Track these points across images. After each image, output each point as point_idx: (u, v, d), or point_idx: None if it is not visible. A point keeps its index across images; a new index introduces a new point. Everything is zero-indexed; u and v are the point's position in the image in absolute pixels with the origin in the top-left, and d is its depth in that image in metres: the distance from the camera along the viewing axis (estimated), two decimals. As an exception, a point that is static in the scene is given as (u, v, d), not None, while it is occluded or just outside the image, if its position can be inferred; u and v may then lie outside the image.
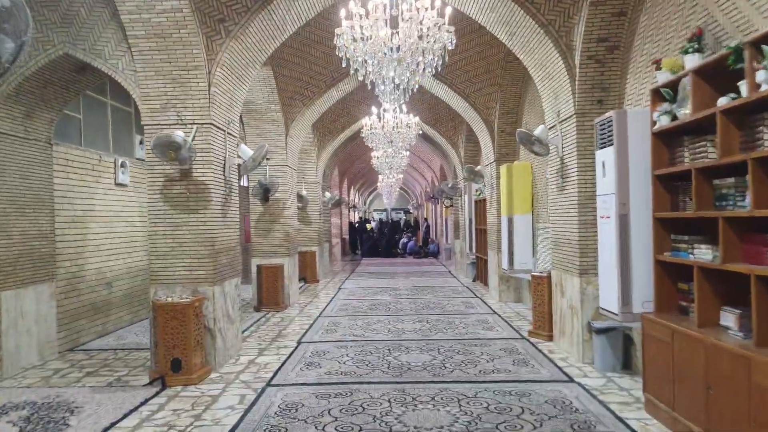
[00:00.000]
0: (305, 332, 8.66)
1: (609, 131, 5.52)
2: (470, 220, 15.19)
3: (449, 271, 18.13)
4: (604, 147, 5.64)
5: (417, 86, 5.37)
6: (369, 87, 5.41)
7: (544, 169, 9.55)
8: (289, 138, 11.38)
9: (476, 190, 14.61)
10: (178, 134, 6.36)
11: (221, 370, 6.61)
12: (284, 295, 11.16)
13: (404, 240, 28.35)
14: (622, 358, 6.22)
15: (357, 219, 34.94)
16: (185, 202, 6.60)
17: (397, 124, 10.79)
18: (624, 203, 5.37)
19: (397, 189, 30.21)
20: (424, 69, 5.23)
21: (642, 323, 4.95)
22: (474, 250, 15.07)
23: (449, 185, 16.62)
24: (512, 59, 10.38)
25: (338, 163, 22.49)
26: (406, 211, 47.64)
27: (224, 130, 7.05)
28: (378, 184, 26.29)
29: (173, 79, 6.58)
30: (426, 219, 30.75)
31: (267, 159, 11.09)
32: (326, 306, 11.34)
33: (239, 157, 7.32)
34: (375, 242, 26.78)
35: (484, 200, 13.31)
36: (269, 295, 10.85)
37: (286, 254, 11.37)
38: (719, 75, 4.15)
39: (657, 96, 4.91)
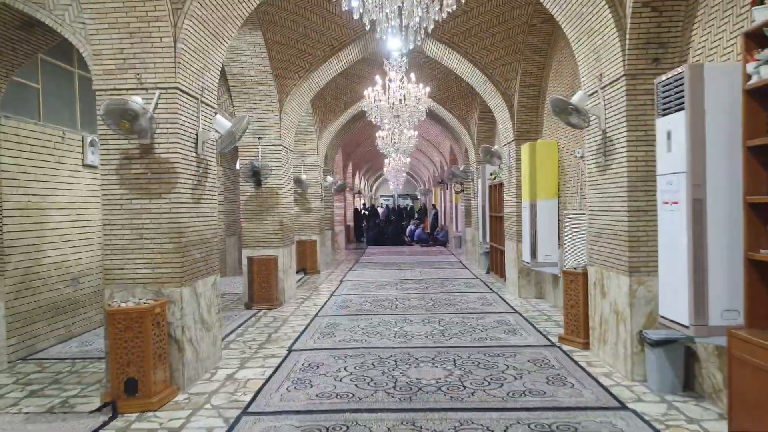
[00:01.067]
0: (298, 336, 7.49)
1: (678, 93, 4.28)
2: (484, 206, 13.96)
3: (460, 261, 16.93)
4: (669, 113, 4.40)
5: (431, 26, 4.13)
6: (367, 27, 4.19)
7: (572, 147, 8.31)
8: (284, 114, 10.16)
9: (491, 174, 13.37)
10: (135, 100, 5.16)
11: (191, 389, 5.46)
12: (278, 291, 10.00)
13: (411, 227, 27.15)
14: (683, 376, 5.02)
15: (362, 205, 33.77)
16: (146, 185, 5.41)
17: (404, 96, 9.51)
18: (698, 185, 4.14)
19: (404, 174, 28.95)
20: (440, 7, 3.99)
21: (728, 341, 3.74)
22: (488, 239, 13.85)
23: (461, 169, 15.37)
24: (536, 22, 9.10)
25: (342, 145, 21.27)
26: (414, 197, 46.39)
27: (196, 98, 5.84)
28: (384, 168, 25.03)
29: (131, 33, 5.37)
30: (434, 205, 29.50)
31: (259, 138, 9.91)
32: (325, 302, 10.18)
33: (216, 131, 6.12)
34: (381, 229, 25.59)
35: (501, 184, 12.07)
36: (261, 291, 9.68)
37: (281, 244, 10.20)
38: None
39: (752, 42, 3.67)
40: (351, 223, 27.14)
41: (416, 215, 34.57)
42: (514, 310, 9.01)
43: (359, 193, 30.77)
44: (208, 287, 6.09)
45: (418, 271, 14.55)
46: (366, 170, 34.69)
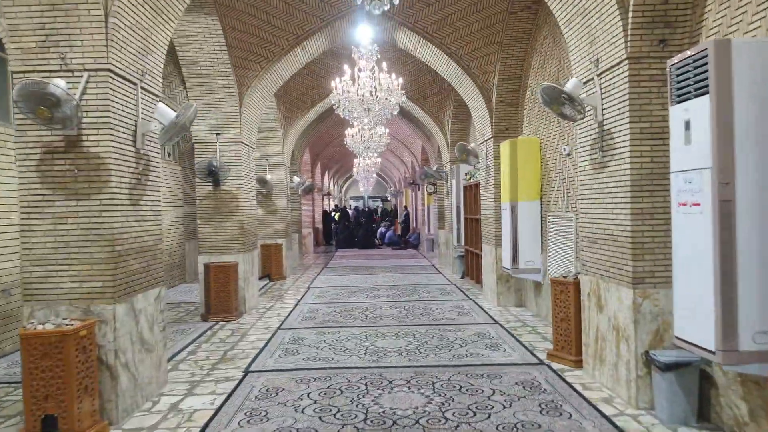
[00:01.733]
0: (257, 354, 6.69)
1: (699, 75, 3.63)
2: (458, 208, 13.32)
3: (433, 265, 16.27)
4: (688, 99, 3.76)
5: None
6: None
7: (557, 144, 7.69)
8: (244, 108, 9.33)
9: (466, 174, 12.74)
10: (57, 83, 4.33)
11: (125, 423, 4.62)
12: (238, 300, 9.16)
13: (382, 229, 26.45)
14: (697, 404, 4.39)
15: (335, 207, 32.92)
16: (72, 184, 4.57)
17: (375, 87, 8.74)
18: (727, 183, 3.50)
19: (374, 175, 28.25)
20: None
21: (768, 373, 3.10)
22: (463, 243, 13.22)
23: (434, 169, 14.72)
24: (517, 9, 8.47)
25: (309, 145, 20.46)
26: (384, 199, 45.73)
27: (134, 83, 5.02)
28: (354, 169, 24.28)
29: (53, 5, 4.53)
30: (406, 207, 28.85)
31: (217, 134, 9.08)
32: (290, 312, 9.38)
33: (159, 122, 5.29)
34: (351, 232, 24.82)
35: (477, 185, 11.43)
36: (219, 301, 8.84)
37: (242, 249, 9.37)
38: None
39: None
40: (320, 226, 26.32)
41: (387, 217, 33.91)
42: (494, 320, 8.35)
43: (328, 194, 29.95)
44: (150, 302, 5.26)
45: (390, 277, 13.82)
46: (335, 171, 33.89)
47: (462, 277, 13.22)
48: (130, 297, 4.87)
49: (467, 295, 10.68)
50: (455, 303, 9.88)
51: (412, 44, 9.83)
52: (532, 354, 6.45)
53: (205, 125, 9.24)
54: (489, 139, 9.69)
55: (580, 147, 5.68)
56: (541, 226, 8.42)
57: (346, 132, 12.83)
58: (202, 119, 9.21)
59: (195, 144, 9.33)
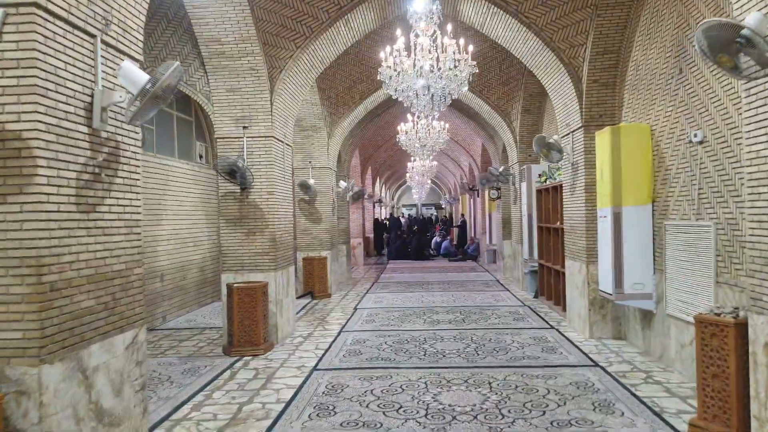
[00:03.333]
0: (282, 412, 5.00)
1: None
2: (529, 215, 11.38)
3: (497, 281, 14.32)
4: None
5: None
6: None
7: (679, 130, 5.74)
8: (277, 97, 7.74)
9: (540, 175, 10.81)
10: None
11: None
12: (268, 329, 7.54)
13: (437, 239, 24.60)
14: None
15: (389, 215, 31.21)
16: (-21, 180, 3.00)
17: (437, 58, 6.82)
18: None
19: (429, 181, 26.45)
20: None
21: None
22: (535, 256, 11.26)
23: (499, 170, 12.81)
24: (621, -43, 6.57)
25: (358, 148, 18.86)
26: (438, 207, 43.85)
27: (91, 34, 3.42)
28: (407, 174, 22.55)
29: None
30: (463, 215, 26.90)
31: (245, 127, 7.51)
32: (331, 344, 7.68)
33: (129, 92, 3.69)
34: (404, 242, 23.06)
35: (557, 187, 9.50)
36: (244, 331, 7.22)
37: (273, 267, 7.75)
38: None
39: None
40: (371, 235, 24.69)
41: (441, 225, 31.98)
42: (592, 360, 6.43)
43: (380, 201, 28.32)
44: (116, 353, 3.63)
45: (450, 295, 11.98)
46: (387, 177, 32.26)
47: (535, 297, 11.26)
48: (75, 351, 3.24)
49: (547, 322, 8.74)
50: (535, 333, 7.97)
51: (478, 16, 8.05)
52: (661, 419, 4.52)
53: (230, 117, 7.68)
54: (577, 129, 7.78)
55: (755, 122, 3.75)
56: (654, 238, 6.45)
57: (398, 128, 11.14)
58: (227, 109, 7.67)
59: (218, 140, 7.79)
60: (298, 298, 11.91)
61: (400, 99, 6.77)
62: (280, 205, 8.06)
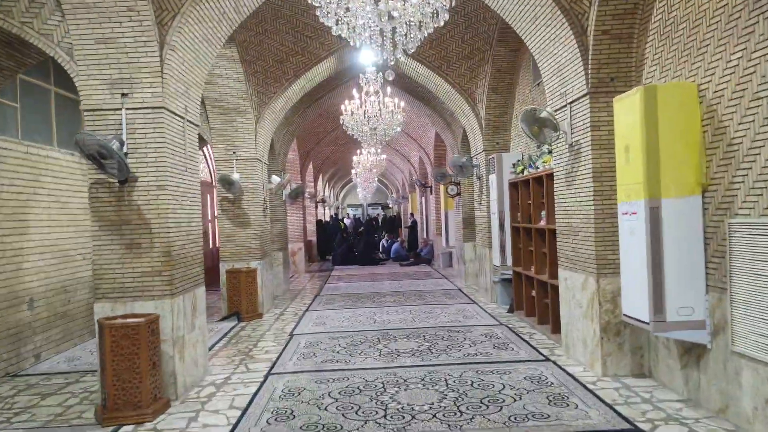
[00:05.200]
0: None
1: None
2: (500, 213, 9.48)
3: (459, 290, 12.38)
4: None
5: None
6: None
7: (754, 91, 3.85)
8: (170, 52, 5.50)
9: (516, 164, 8.92)
10: None
11: None
12: (162, 381, 5.30)
13: (386, 241, 22.58)
14: None
15: (331, 216, 28.88)
16: None
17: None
18: None
19: (376, 178, 24.38)
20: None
21: None
22: (509, 263, 9.37)
23: (461, 161, 10.85)
24: None
25: (297, 139, 16.64)
26: (385, 206, 41.90)
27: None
28: (353, 171, 20.41)
29: None
30: (412, 214, 24.99)
31: (123, 95, 5.27)
32: (252, 399, 5.48)
33: None
34: (350, 245, 20.90)
35: (541, 178, 7.61)
36: (122, 388, 4.94)
37: (168, 292, 5.50)
38: None
39: None
40: (314, 238, 22.43)
41: (388, 226, 30.02)
42: (624, 418, 4.50)
43: (323, 201, 26.07)
44: None
45: (408, 311, 9.92)
46: (331, 175, 30.03)
47: (510, 311, 9.35)
48: None
49: (538, 350, 6.80)
50: (528, 369, 6.00)
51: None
52: None
53: (102, 80, 5.40)
54: (580, 98, 5.86)
55: None
56: (705, 243, 4.58)
57: (343, 108, 9.01)
58: (96, 69, 5.38)
59: (85, 114, 5.47)
60: (221, 320, 9.66)
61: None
62: (180, 204, 5.81)
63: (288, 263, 14.58)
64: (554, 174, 6.71)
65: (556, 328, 7.30)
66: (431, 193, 18.81)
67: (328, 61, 10.24)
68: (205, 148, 14.54)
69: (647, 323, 4.67)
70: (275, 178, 11.38)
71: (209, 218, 15.49)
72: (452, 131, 13.19)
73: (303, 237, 18.54)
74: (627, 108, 4.84)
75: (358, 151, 16.09)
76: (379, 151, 15.38)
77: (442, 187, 15.75)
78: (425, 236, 21.12)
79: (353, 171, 20.34)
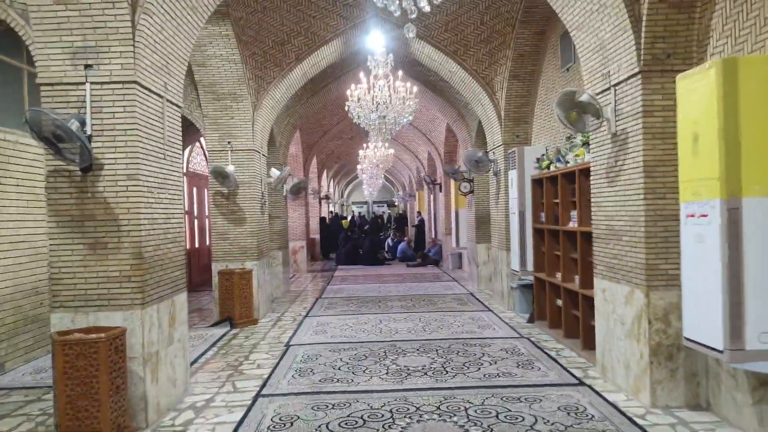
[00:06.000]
0: None
1: None
2: (521, 213, 8.60)
3: (472, 294, 11.50)
4: None
5: None
6: None
7: None
8: (144, 16, 4.62)
9: (540, 158, 8.04)
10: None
11: None
12: (130, 406, 4.45)
13: (391, 240, 21.69)
14: None
15: (330, 213, 27.97)
16: None
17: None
18: None
19: (382, 175, 23.49)
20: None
21: None
22: (530, 267, 8.49)
23: (477, 155, 9.94)
24: None
25: (301, 132, 15.79)
26: (391, 204, 41.03)
27: None
28: (359, 166, 19.54)
29: None
30: (420, 213, 24.09)
31: (87, 66, 4.42)
32: (236, 428, 4.63)
33: None
34: (355, 244, 20.01)
35: (573, 173, 6.71)
36: (76, 417, 4.11)
37: (139, 301, 4.63)
38: None
39: None
40: (317, 236, 21.57)
41: (394, 225, 29.12)
42: (694, 471, 3.62)
43: (327, 198, 25.19)
44: None
45: (417, 319, 9.05)
46: (336, 171, 29.18)
47: (530, 321, 8.47)
48: None
49: (568, 371, 5.91)
50: (561, 396, 5.12)
51: None
52: None
53: (61, 48, 4.53)
54: (629, 78, 4.96)
55: None
56: (796, 254, 3.69)
57: (349, 93, 8.13)
58: (55, 34, 4.51)
59: (42, 88, 4.61)
60: (212, 326, 8.82)
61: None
62: (155, 197, 4.95)
63: (288, 263, 13.72)
64: (591, 169, 5.82)
65: (588, 344, 6.42)
66: (440, 190, 17.91)
67: (334, 45, 9.37)
68: (203, 138, 13.70)
69: (720, 351, 3.79)
70: (274, 172, 10.50)
71: (207, 213, 14.66)
72: (466, 124, 12.29)
73: (305, 235, 17.68)
74: (697, 87, 3.95)
75: (365, 145, 15.21)
76: (386, 145, 14.49)
77: (453, 184, 14.85)
78: (433, 236, 20.21)
79: (359, 167, 19.48)
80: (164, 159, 5.21)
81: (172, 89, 5.33)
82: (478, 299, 10.83)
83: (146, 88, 4.78)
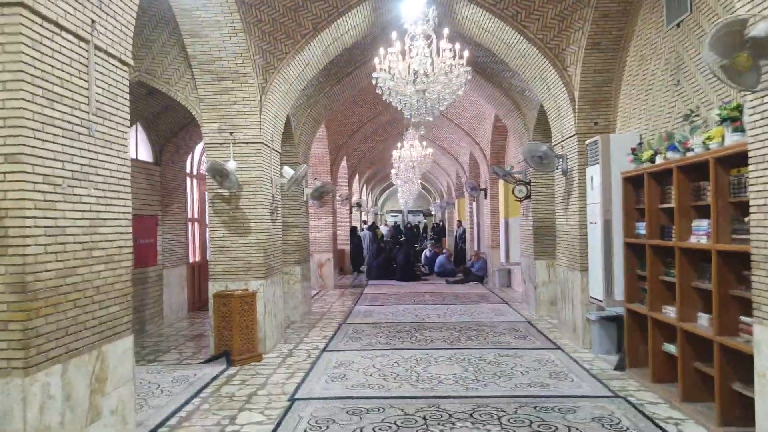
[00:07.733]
0: None
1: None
2: (605, 222, 6.53)
3: (529, 323, 9.38)
4: None
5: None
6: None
7: None
8: None
9: (636, 149, 5.95)
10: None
11: None
12: None
13: (429, 252, 19.67)
14: None
15: (363, 223, 26.00)
16: None
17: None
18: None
19: (419, 181, 21.45)
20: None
21: None
22: (618, 296, 6.41)
23: (541, 150, 7.87)
24: None
25: (328, 129, 13.94)
26: (427, 213, 39.02)
27: None
28: (392, 169, 17.59)
29: None
30: (460, 222, 22.01)
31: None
32: None
33: None
34: (388, 257, 18.01)
35: (715, 161, 4.59)
36: None
37: (20, 365, 2.76)
38: None
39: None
40: (346, 247, 19.65)
41: (432, 235, 27.08)
42: None
43: (358, 205, 23.29)
44: None
45: (465, 358, 7.00)
46: (369, 177, 27.30)
47: (619, 369, 6.34)
48: None
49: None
50: None
51: None
52: None
53: None
54: None
55: None
56: None
57: (377, 61, 6.14)
58: None
59: None
60: (205, 362, 7.00)
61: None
62: (63, 193, 3.09)
63: (309, 279, 11.84)
64: (749, 155, 3.74)
65: (729, 418, 4.32)
66: (485, 197, 15.82)
67: (361, 11, 7.49)
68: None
69: None
70: (288, 170, 8.63)
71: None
72: (522, 115, 10.24)
73: (333, 246, 15.77)
74: None
75: (399, 144, 13.28)
76: (424, 144, 12.52)
77: (501, 189, 12.80)
78: (476, 248, 18.10)
79: (392, 171, 17.58)
80: (89, 135, 3.36)
81: (108, 33, 3.47)
82: (539, 331, 8.72)
83: (43, 16, 2.92)
